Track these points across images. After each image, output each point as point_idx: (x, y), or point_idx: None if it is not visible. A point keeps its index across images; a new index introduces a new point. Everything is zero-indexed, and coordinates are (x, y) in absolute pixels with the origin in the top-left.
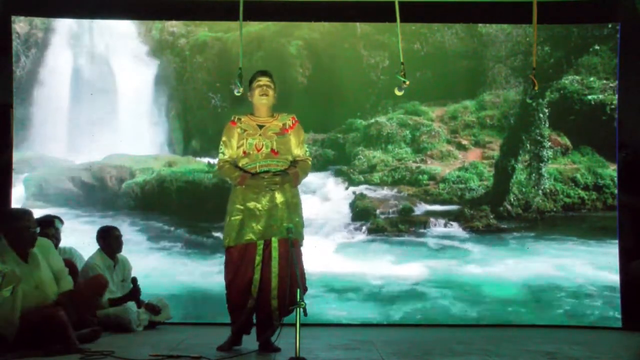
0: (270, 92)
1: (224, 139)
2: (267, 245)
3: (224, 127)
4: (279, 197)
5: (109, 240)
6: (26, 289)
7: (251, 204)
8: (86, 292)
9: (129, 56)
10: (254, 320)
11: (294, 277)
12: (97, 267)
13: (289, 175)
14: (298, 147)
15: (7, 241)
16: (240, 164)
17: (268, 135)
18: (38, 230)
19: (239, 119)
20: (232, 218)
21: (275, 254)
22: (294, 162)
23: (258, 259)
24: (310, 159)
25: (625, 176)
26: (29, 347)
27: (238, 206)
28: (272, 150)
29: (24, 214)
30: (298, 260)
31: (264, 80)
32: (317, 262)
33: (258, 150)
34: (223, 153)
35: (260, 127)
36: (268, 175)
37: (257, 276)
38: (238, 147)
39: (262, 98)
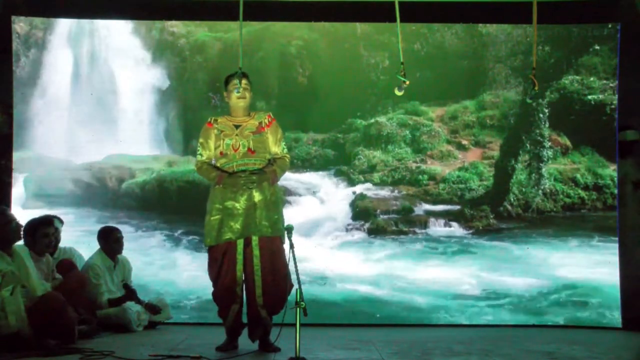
0: (247, 94)
1: (200, 140)
2: (248, 243)
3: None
4: (257, 196)
5: (109, 241)
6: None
7: (229, 203)
8: (68, 288)
9: (129, 56)
10: (245, 321)
11: (282, 275)
12: (97, 268)
13: (267, 173)
14: (275, 145)
15: None
16: (218, 164)
17: (244, 135)
18: (20, 223)
19: (215, 120)
20: (212, 218)
21: (256, 252)
22: (272, 160)
23: (239, 258)
24: (289, 156)
25: None
26: (39, 338)
27: (217, 205)
28: (249, 149)
29: (1, 211)
30: (280, 257)
31: (241, 82)
32: (316, 261)
33: (235, 150)
34: (201, 155)
35: (237, 127)
36: (245, 174)
37: (239, 274)
38: (215, 148)
39: (239, 101)
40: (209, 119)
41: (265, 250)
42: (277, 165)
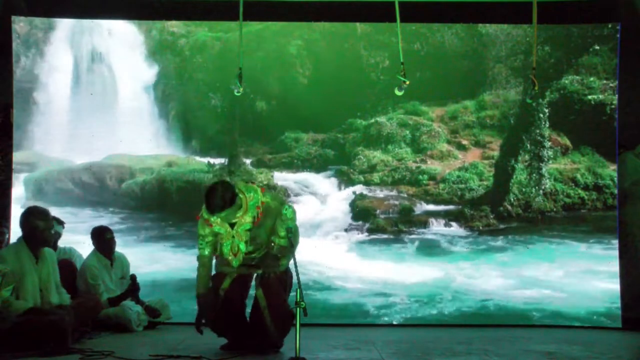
0: (230, 212)
1: (200, 233)
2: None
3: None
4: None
5: (101, 241)
6: (30, 288)
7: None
8: (80, 311)
9: (129, 56)
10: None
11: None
12: (93, 268)
13: (269, 266)
14: (277, 224)
15: (23, 237)
16: (220, 269)
17: (240, 235)
18: (53, 232)
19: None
20: None
21: (259, 292)
22: (276, 247)
23: (226, 280)
24: (295, 225)
25: None
26: (23, 343)
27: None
28: (247, 252)
29: (40, 213)
30: (278, 289)
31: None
32: (316, 261)
33: (235, 255)
34: (202, 248)
35: (232, 225)
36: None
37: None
38: (214, 246)
39: None
40: (202, 215)
41: (266, 287)
42: (281, 254)
